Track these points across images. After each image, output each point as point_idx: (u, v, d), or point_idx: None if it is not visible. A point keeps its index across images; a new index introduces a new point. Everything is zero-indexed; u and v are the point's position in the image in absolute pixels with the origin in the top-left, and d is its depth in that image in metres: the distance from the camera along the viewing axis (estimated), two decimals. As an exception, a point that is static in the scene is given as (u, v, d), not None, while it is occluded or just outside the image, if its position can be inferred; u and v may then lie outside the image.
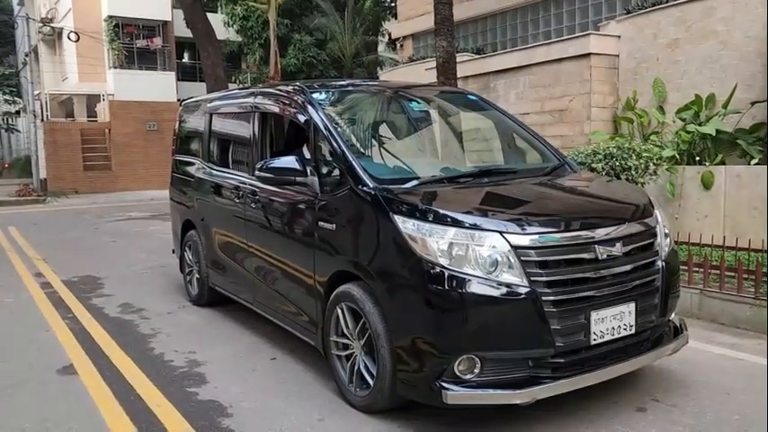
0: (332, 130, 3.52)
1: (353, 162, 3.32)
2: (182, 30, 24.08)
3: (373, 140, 3.83)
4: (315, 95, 3.83)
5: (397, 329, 2.96)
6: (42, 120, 20.38)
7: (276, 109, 4.18)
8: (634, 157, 5.55)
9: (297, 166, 3.55)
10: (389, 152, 3.80)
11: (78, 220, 13.16)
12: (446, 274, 2.77)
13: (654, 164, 5.73)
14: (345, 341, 3.35)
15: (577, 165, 4.21)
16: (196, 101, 5.77)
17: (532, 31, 11.19)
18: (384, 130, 3.97)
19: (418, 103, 4.15)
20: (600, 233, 2.94)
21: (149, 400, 3.56)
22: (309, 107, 3.72)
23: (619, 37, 8.64)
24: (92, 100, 23.60)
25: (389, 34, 24.05)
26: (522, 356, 2.80)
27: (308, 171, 3.56)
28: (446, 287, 2.77)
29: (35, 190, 19.05)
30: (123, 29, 23.65)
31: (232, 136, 4.90)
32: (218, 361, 4.17)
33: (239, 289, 4.71)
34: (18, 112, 21.48)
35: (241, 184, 4.41)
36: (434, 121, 4.24)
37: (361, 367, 3.23)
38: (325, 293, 3.46)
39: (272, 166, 3.59)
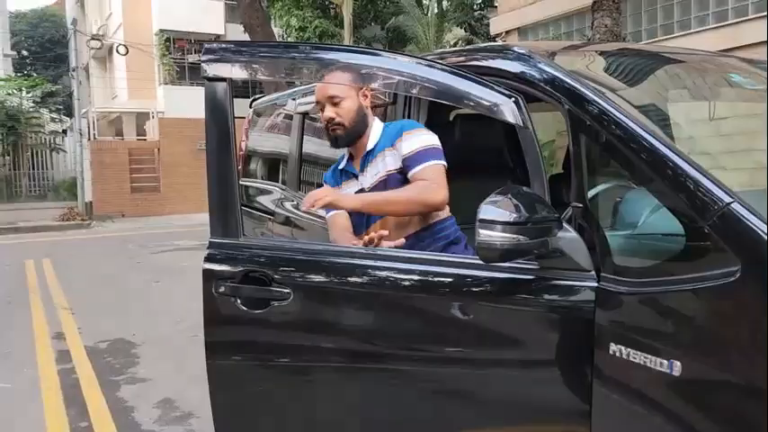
0: (632, 126, 1.48)
1: (736, 202, 1.27)
2: (235, 44, 22.91)
3: (721, 148, 1.77)
4: (552, 61, 1.81)
5: None
6: (89, 139, 19.21)
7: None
8: None
9: (546, 212, 1.52)
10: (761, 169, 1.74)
11: (120, 251, 11.62)
12: None
13: None
14: None
15: None
16: (276, 98, 3.87)
17: (698, 12, 8.78)
18: (726, 126, 1.90)
19: (742, 77, 2.09)
20: None
21: None
22: (553, 81, 1.69)
23: None
24: (141, 118, 22.49)
25: (454, 44, 22.30)
26: None
27: (558, 222, 1.55)
28: None
29: (80, 214, 17.77)
30: (174, 43, 22.57)
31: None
32: None
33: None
34: (65, 132, 20.38)
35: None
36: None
37: None
38: None
39: (504, 219, 1.45)
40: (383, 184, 2.09)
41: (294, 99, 3.43)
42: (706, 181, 1.33)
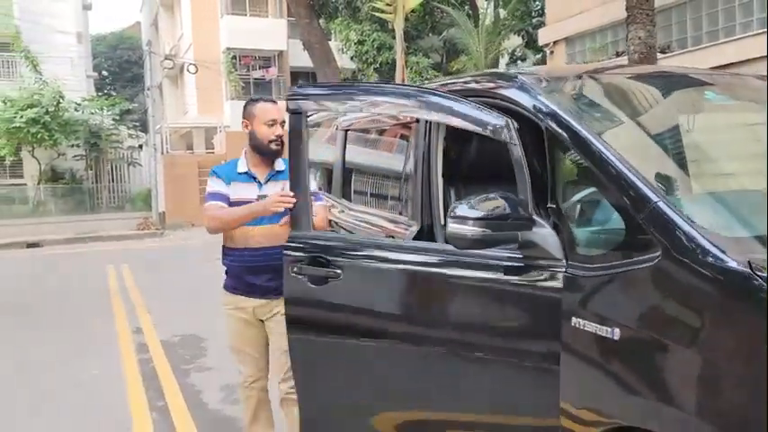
0: (591, 140, 1.82)
1: (660, 201, 1.61)
2: (296, 60, 23.75)
3: (672, 158, 2.08)
4: (539, 86, 2.16)
5: None
6: (163, 153, 20.45)
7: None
8: None
9: (520, 210, 1.90)
10: (709, 180, 2.05)
11: (191, 257, 12.41)
12: None
13: None
14: None
15: None
16: (323, 116, 4.33)
17: (742, 18, 8.76)
18: (682, 139, 2.19)
19: (716, 93, 2.37)
20: None
21: None
22: (533, 103, 2.04)
23: None
24: (210, 132, 23.67)
25: (512, 53, 22.37)
26: None
27: (533, 219, 1.91)
28: None
29: (154, 223, 18.92)
30: (240, 60, 23.66)
31: (382, 162, 3.37)
32: None
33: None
34: (140, 147, 21.76)
35: (392, 239, 2.84)
36: (744, 121, 2.43)
37: None
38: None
39: (475, 215, 1.93)
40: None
41: (337, 117, 3.87)
42: (641, 184, 1.66)
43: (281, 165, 2.87)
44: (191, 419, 3.80)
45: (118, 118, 20.28)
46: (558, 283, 1.84)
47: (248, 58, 24.01)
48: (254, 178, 2.83)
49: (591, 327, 1.71)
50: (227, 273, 2.98)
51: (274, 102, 2.92)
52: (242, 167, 2.85)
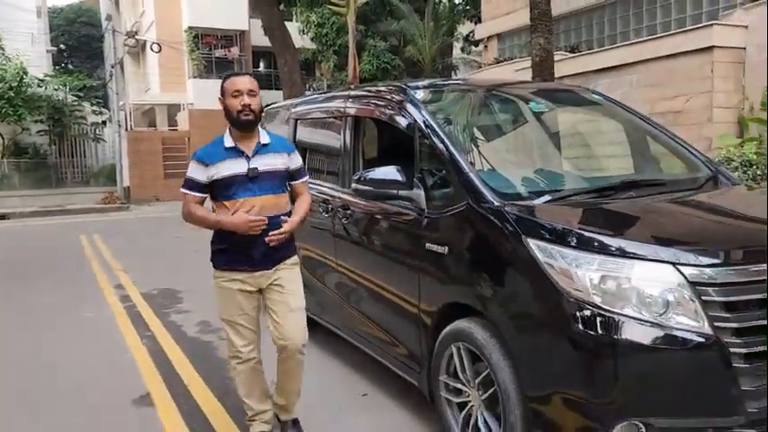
0: (440, 134, 2.98)
1: (469, 172, 2.77)
2: (258, 39, 24.38)
3: (490, 147, 3.27)
4: (418, 95, 3.31)
5: (532, 386, 2.39)
6: (126, 129, 20.99)
7: (371, 113, 3.70)
8: (782, 164, 4.74)
9: (399, 177, 3.04)
10: (510, 161, 3.24)
11: (160, 228, 13.22)
12: (599, 316, 2.18)
13: (807, 172, 4.90)
14: (459, 386, 2.81)
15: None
16: (279, 107, 5.40)
17: (635, 25, 10.20)
18: (501, 134, 3.40)
19: (537, 103, 3.57)
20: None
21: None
22: (412, 108, 3.21)
23: (746, 27, 7.61)
24: (173, 109, 24.19)
25: (465, 37, 23.52)
26: (701, 425, 2.17)
27: (413, 184, 3.07)
28: (600, 332, 2.18)
29: (119, 198, 19.57)
30: (202, 39, 24.16)
31: (319, 144, 4.46)
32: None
33: (325, 312, 4.26)
34: (104, 123, 22.21)
35: (331, 198, 3.96)
36: (556, 123, 3.65)
37: (480, 423, 2.68)
38: (433, 327, 2.93)
39: (370, 177, 3.10)
40: (273, 174, 2.87)
41: (290, 108, 4.97)
42: (462, 163, 2.82)
43: (266, 138, 2.88)
44: (174, 343, 4.87)
45: (81, 95, 20.69)
46: (422, 223, 3.00)
47: (210, 38, 24.52)
48: (242, 153, 2.82)
49: (434, 247, 2.88)
50: (220, 249, 2.98)
51: (243, 74, 2.86)
52: (228, 143, 2.83)
